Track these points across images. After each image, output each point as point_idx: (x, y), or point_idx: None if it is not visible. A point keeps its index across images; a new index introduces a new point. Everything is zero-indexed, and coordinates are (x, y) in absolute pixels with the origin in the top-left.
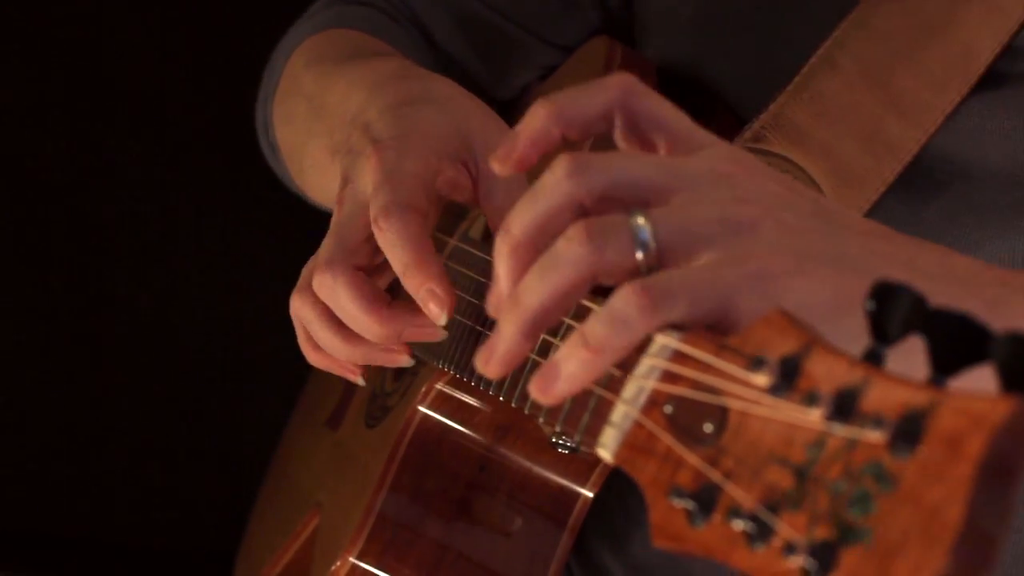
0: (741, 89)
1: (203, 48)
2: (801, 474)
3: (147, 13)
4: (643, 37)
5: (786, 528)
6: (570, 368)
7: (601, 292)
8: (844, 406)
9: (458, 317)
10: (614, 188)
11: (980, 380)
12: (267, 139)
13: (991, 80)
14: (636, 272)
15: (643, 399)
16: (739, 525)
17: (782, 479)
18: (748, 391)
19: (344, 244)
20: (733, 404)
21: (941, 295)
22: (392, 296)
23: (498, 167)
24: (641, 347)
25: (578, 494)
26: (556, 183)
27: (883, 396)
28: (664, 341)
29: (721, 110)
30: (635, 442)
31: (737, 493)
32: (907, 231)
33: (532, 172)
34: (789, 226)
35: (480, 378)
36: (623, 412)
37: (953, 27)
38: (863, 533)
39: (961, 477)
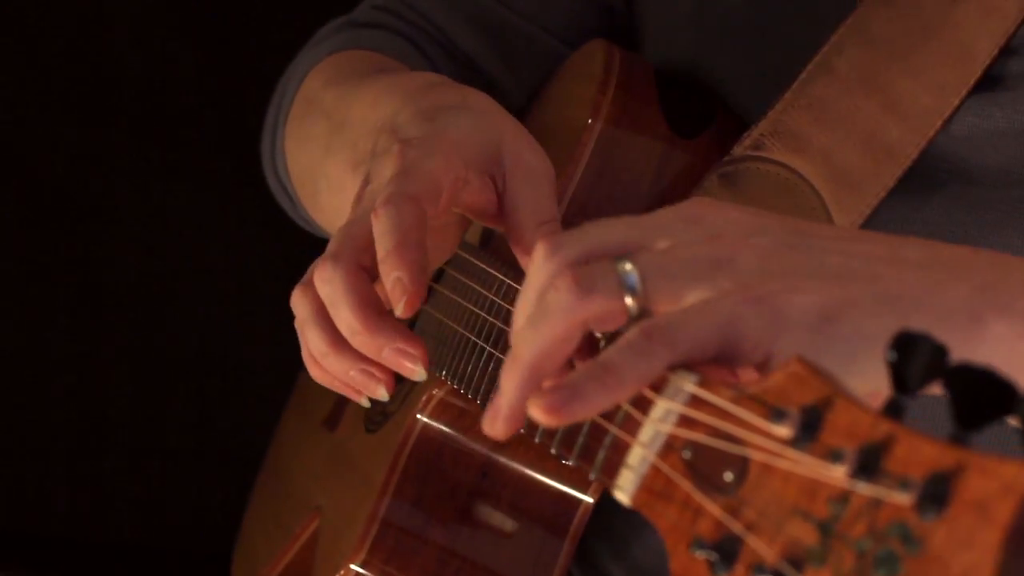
0: (739, 89)
1: (204, 48)
2: (825, 530)
3: (148, 13)
4: (643, 35)
5: None
6: (582, 386)
7: None
8: (868, 464)
9: (459, 328)
10: (590, 255)
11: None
12: (274, 171)
13: (987, 80)
14: (626, 319)
15: (659, 443)
16: None
17: (805, 534)
18: (769, 442)
19: (353, 240)
20: (754, 455)
21: (929, 282)
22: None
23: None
24: (658, 389)
25: (579, 501)
26: (538, 269)
27: (908, 454)
28: (679, 383)
29: (722, 114)
30: (653, 487)
31: (759, 546)
32: (907, 231)
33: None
34: (765, 250)
35: (484, 395)
36: (640, 455)
37: (951, 29)
38: None
39: (990, 543)
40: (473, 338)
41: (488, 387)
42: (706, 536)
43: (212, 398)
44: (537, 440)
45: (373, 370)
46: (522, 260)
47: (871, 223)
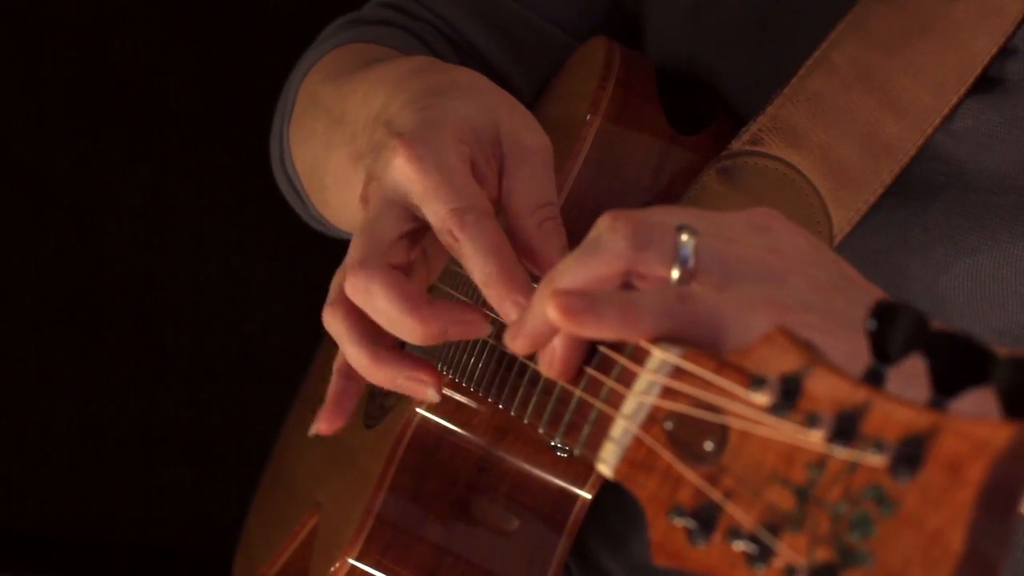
0: (738, 86)
1: (204, 48)
2: (802, 495)
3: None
4: (644, 32)
5: (787, 550)
6: (603, 306)
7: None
8: (845, 428)
9: None
10: (654, 228)
11: (983, 402)
12: (284, 171)
13: (984, 82)
14: (664, 283)
15: (643, 415)
16: (739, 546)
17: (783, 500)
18: (749, 410)
19: (376, 243)
20: (734, 423)
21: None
22: None
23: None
24: (640, 362)
25: (577, 496)
26: (598, 225)
27: (884, 418)
28: (663, 356)
29: (721, 112)
30: (635, 458)
31: (737, 513)
32: (907, 234)
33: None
34: (818, 283)
35: (479, 383)
36: (623, 427)
37: (950, 28)
38: (864, 556)
39: (962, 503)
40: None
41: (489, 380)
42: (685, 504)
43: (213, 398)
44: (526, 420)
45: (419, 374)
46: (517, 249)
47: (870, 226)
